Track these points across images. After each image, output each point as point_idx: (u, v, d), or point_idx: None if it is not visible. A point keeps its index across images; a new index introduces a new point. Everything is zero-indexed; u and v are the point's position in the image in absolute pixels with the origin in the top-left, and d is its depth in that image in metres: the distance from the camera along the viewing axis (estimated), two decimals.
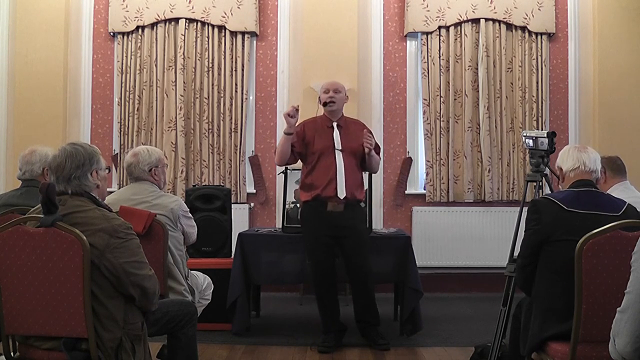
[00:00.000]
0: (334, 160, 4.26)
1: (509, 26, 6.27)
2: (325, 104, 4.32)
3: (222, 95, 6.23)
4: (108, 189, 3.33)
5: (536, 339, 2.62)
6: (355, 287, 4.36)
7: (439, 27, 6.22)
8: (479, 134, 6.20)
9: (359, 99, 6.07)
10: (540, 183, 3.60)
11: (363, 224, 4.46)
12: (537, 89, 6.26)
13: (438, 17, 6.20)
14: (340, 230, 4.24)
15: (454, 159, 6.23)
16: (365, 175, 4.57)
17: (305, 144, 4.34)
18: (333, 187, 4.23)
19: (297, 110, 4.22)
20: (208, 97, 6.20)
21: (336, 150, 4.27)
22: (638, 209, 2.74)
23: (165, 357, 3.13)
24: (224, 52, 6.23)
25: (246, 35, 6.25)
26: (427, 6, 6.20)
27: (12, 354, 2.54)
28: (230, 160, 6.21)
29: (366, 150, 4.24)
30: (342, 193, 4.21)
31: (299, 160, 4.48)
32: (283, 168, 4.90)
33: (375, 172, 4.61)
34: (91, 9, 6.36)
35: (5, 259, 2.36)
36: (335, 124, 4.35)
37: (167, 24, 6.23)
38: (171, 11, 6.19)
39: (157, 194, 3.51)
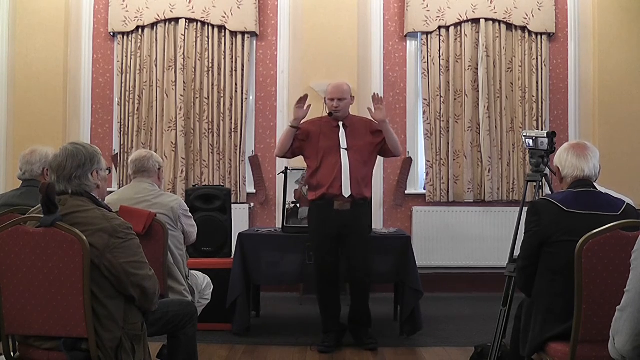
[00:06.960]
0: (339, 159, 4.27)
1: (509, 26, 6.27)
2: (330, 114, 4.32)
3: (222, 95, 6.23)
4: (108, 189, 3.34)
5: (537, 339, 2.62)
6: (353, 285, 4.37)
7: (439, 27, 6.22)
8: (479, 134, 6.19)
9: (359, 99, 6.02)
10: (540, 183, 3.61)
11: (367, 221, 4.48)
12: (537, 89, 6.25)
13: (438, 17, 6.20)
14: (346, 228, 4.25)
15: (454, 159, 6.23)
16: None
17: (309, 142, 4.35)
18: (338, 185, 4.25)
19: (305, 101, 4.30)
20: (208, 97, 6.20)
21: (341, 149, 4.29)
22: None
23: (165, 357, 3.12)
24: (224, 52, 6.23)
25: (246, 35, 6.25)
26: (427, 6, 6.20)
27: (12, 354, 2.54)
28: (230, 160, 6.21)
29: (378, 116, 4.32)
30: (346, 191, 4.23)
31: (299, 159, 4.49)
32: (283, 168, 4.93)
33: (398, 155, 4.65)
34: (91, 9, 6.36)
35: (5, 259, 2.36)
36: (340, 124, 4.37)
37: (167, 24, 6.23)
38: (171, 11, 6.18)
39: (157, 193, 3.53)
